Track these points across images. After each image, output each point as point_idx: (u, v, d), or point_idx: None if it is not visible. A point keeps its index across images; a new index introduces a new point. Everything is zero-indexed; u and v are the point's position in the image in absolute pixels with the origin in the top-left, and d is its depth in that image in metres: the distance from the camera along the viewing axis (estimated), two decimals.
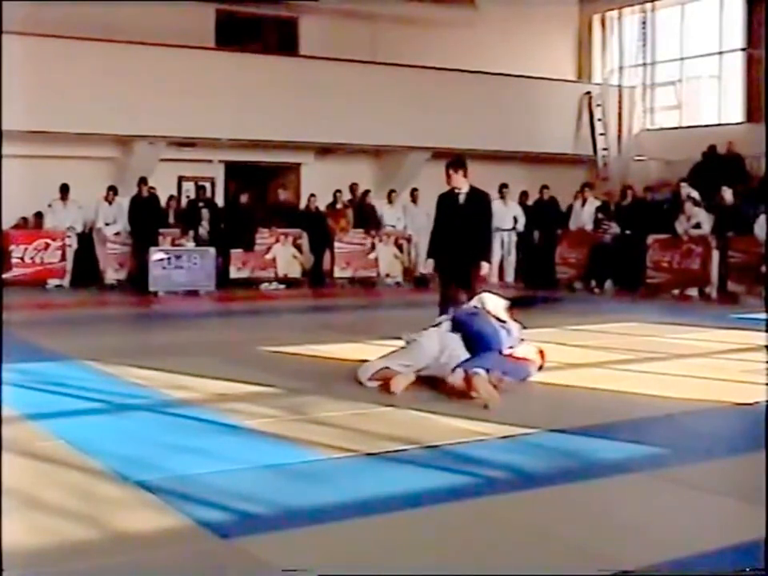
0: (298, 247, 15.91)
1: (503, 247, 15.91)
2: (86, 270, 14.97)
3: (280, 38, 18.06)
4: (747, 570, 3.27)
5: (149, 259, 14.04)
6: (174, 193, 16.30)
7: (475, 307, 6.98)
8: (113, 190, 15.05)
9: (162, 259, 14.11)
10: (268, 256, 15.57)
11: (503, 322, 6.84)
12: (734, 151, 16.86)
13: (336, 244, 15.97)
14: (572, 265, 15.72)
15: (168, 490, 4.04)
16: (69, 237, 14.88)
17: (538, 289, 14.74)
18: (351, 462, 4.61)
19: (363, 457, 4.68)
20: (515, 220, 16.07)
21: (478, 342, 6.46)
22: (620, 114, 19.99)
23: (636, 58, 20.15)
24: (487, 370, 6.18)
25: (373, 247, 16.22)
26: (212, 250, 14.61)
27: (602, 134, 19.65)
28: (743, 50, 18.25)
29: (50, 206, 14.86)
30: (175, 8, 15.97)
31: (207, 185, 16.82)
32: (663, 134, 19.72)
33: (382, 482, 4.27)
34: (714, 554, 3.43)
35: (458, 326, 6.69)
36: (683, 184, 15.35)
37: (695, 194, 14.94)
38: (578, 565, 3.34)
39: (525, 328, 7.15)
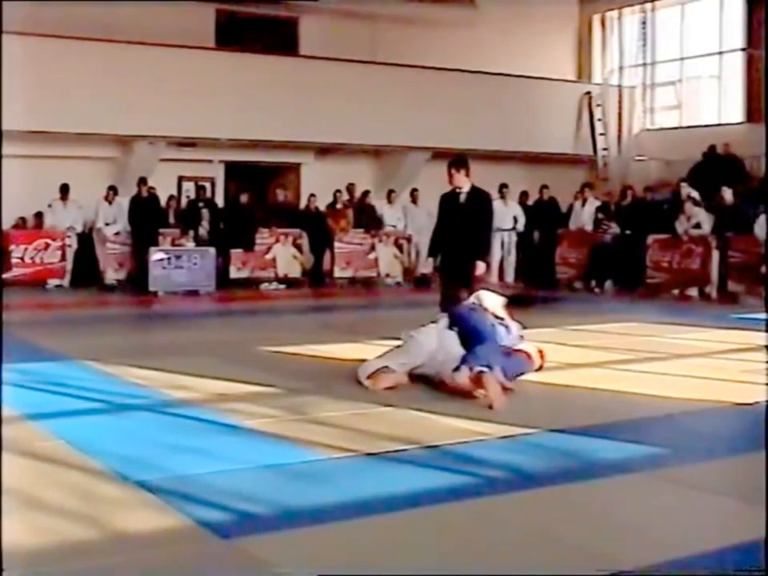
0: (298, 247, 15.91)
1: (503, 247, 15.91)
2: (86, 270, 14.97)
3: (280, 38, 18.04)
4: (747, 569, 3.27)
5: (149, 259, 14.04)
6: (174, 193, 16.30)
7: (473, 304, 6.98)
8: (113, 189, 15.05)
9: (162, 259, 14.12)
10: (268, 256, 15.58)
11: (501, 319, 6.84)
12: (731, 152, 16.87)
13: (336, 244, 15.97)
14: (572, 265, 15.73)
15: (168, 490, 4.04)
16: (69, 237, 14.89)
17: (538, 289, 14.75)
18: (351, 461, 4.61)
19: (363, 457, 4.68)
20: (515, 220, 16.07)
21: (474, 337, 6.44)
22: (620, 114, 19.99)
23: (636, 58, 20.14)
24: (490, 367, 6.18)
25: (373, 247, 16.23)
26: (212, 250, 14.62)
27: (602, 134, 19.65)
28: (743, 50, 18.24)
29: (50, 205, 14.87)
30: (175, 8, 15.97)
31: (207, 185, 16.81)
32: (663, 134, 19.72)
33: (382, 482, 4.27)
34: (714, 554, 3.43)
35: (454, 321, 6.70)
36: (683, 184, 15.35)
37: (695, 194, 14.94)
38: (577, 565, 3.34)
39: (525, 328, 7.15)
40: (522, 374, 6.72)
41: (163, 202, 15.42)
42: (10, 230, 14.67)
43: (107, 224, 15.03)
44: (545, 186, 16.59)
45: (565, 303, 13.57)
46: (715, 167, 16.40)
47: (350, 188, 16.81)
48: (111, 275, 15.04)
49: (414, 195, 16.72)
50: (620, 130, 19.98)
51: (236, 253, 15.27)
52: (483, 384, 6.00)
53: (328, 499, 3.99)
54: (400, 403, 5.90)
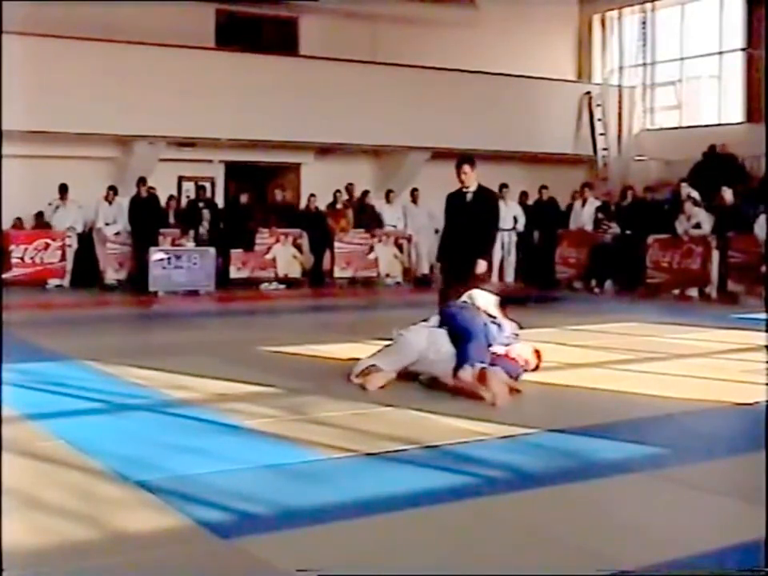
0: (298, 247, 15.91)
1: (503, 247, 15.91)
2: (86, 270, 14.98)
3: (280, 38, 18.04)
4: (747, 570, 3.27)
5: (149, 259, 14.04)
6: (174, 193, 16.30)
7: (464, 302, 6.98)
8: (113, 189, 15.06)
9: (162, 259, 14.12)
10: (268, 256, 15.58)
11: (493, 318, 6.83)
12: (728, 152, 16.87)
13: (336, 244, 15.97)
14: (572, 265, 15.73)
15: (168, 490, 4.04)
16: (69, 237, 14.89)
17: (538, 289, 14.75)
18: (351, 461, 4.61)
19: (363, 457, 4.68)
20: (515, 220, 16.08)
21: (462, 334, 6.44)
22: (620, 114, 19.99)
23: (636, 58, 20.14)
24: (491, 365, 6.18)
25: (372, 247, 16.22)
26: (212, 250, 14.62)
27: (602, 134, 19.65)
28: (743, 50, 18.24)
29: (50, 204, 14.87)
30: (175, 8, 15.97)
31: (207, 185, 16.82)
32: (663, 134, 19.72)
33: (382, 482, 4.27)
34: (714, 554, 3.43)
35: (445, 319, 6.70)
36: (683, 184, 15.36)
37: (695, 194, 14.94)
38: (577, 565, 3.34)
39: (522, 327, 7.15)
40: (516, 377, 6.72)
41: (163, 202, 15.42)
42: (10, 230, 14.66)
43: (107, 224, 15.04)
44: (544, 186, 16.59)
45: (563, 303, 13.58)
46: (715, 167, 16.39)
47: (350, 188, 16.81)
48: (111, 275, 15.04)
49: (414, 195, 16.72)
50: (620, 130, 19.98)
51: (236, 253, 15.28)
52: (487, 381, 6.00)
53: (328, 499, 3.99)
54: (400, 403, 5.90)
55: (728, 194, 14.32)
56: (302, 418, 5.53)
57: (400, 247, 16.54)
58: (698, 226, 14.10)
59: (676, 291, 14.14)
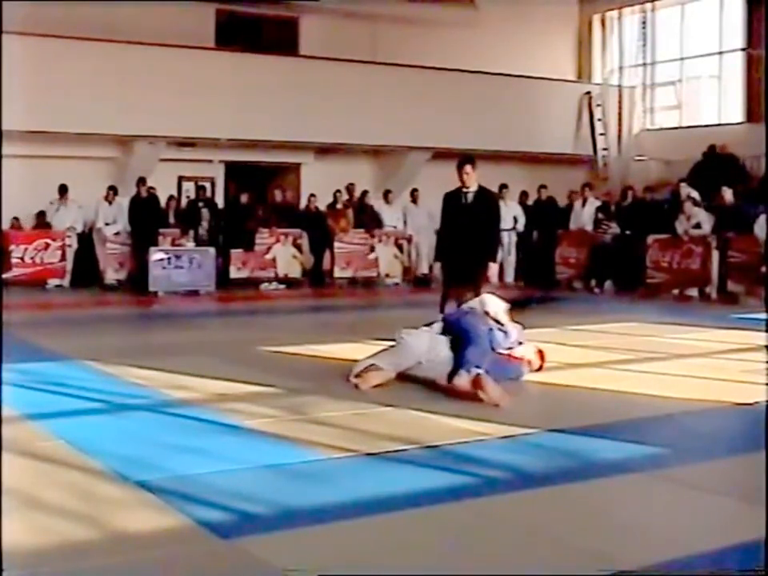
0: (298, 247, 15.92)
1: (503, 247, 15.87)
2: (86, 270, 14.98)
3: (280, 38, 18.05)
4: (747, 570, 3.27)
5: (149, 259, 14.04)
6: (174, 193, 16.30)
7: (470, 308, 6.96)
8: (113, 189, 15.06)
9: (161, 259, 14.12)
10: (268, 256, 15.58)
11: (501, 324, 6.82)
12: (728, 152, 16.87)
13: (336, 244, 15.97)
14: (572, 265, 15.73)
15: (168, 490, 4.04)
16: (69, 237, 14.89)
17: (537, 288, 14.75)
18: (351, 461, 4.61)
19: (363, 457, 4.68)
20: (515, 220, 16.08)
21: (463, 338, 6.43)
22: (620, 114, 19.99)
23: (636, 58, 20.14)
24: (487, 371, 6.17)
25: (373, 247, 16.22)
26: (212, 250, 14.62)
27: (602, 134, 19.65)
28: (743, 50, 18.24)
29: (51, 204, 14.88)
30: (175, 8, 15.98)
31: (207, 185, 16.83)
32: (663, 134, 19.72)
33: (382, 482, 4.27)
34: (714, 554, 3.42)
35: (447, 326, 6.68)
36: (683, 184, 15.36)
37: (695, 194, 14.94)
38: (578, 565, 3.34)
39: (525, 328, 7.15)
40: (518, 377, 6.73)
41: (163, 202, 15.42)
42: (10, 230, 14.66)
43: (107, 224, 15.04)
44: (543, 186, 16.58)
45: (563, 303, 13.57)
46: (715, 167, 16.39)
47: (350, 188, 16.81)
48: (111, 275, 15.05)
49: (414, 195, 16.72)
50: (620, 130, 19.98)
51: (236, 253, 15.28)
52: (482, 386, 6.00)
53: (328, 499, 3.99)
54: (400, 403, 5.90)
55: (728, 194, 14.32)
56: (302, 418, 5.53)
57: (400, 247, 16.54)
58: (698, 226, 14.10)
59: (676, 291, 14.14)
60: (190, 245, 14.69)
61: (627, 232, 14.89)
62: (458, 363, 6.22)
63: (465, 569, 3.29)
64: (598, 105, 19.66)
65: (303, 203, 16.83)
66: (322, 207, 16.25)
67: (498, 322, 6.80)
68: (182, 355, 7.74)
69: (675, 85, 19.90)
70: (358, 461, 4.62)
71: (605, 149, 19.68)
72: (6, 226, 14.57)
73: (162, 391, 6.28)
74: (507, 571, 3.23)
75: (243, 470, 4.42)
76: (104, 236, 15.06)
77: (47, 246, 14.69)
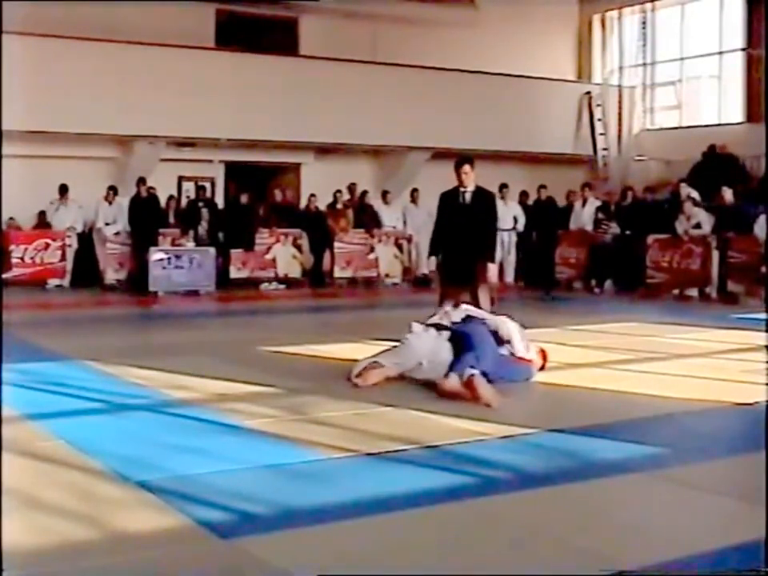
0: (298, 247, 15.92)
1: (503, 247, 15.85)
2: (86, 270, 14.98)
3: (280, 38, 18.04)
4: (747, 570, 3.27)
5: (149, 259, 14.04)
6: (174, 193, 16.30)
7: (482, 318, 6.87)
8: (113, 189, 15.06)
9: (161, 259, 14.12)
10: (268, 256, 15.58)
11: (512, 352, 6.75)
12: (728, 152, 16.87)
13: (336, 244, 15.97)
14: (572, 265, 15.72)
15: (168, 490, 4.04)
16: (69, 237, 14.89)
17: (537, 288, 14.76)
18: (351, 461, 4.61)
19: (363, 457, 4.68)
20: (515, 220, 16.07)
21: (465, 343, 6.41)
22: (620, 114, 19.99)
23: (636, 58, 20.14)
24: (485, 374, 6.16)
25: (373, 247, 16.22)
26: (212, 250, 14.62)
27: (602, 134, 19.65)
28: (743, 49, 18.25)
29: (51, 204, 14.88)
30: (175, 8, 15.98)
31: (207, 185, 16.83)
32: (663, 134, 19.72)
33: (382, 482, 4.27)
34: (714, 554, 3.42)
35: (454, 333, 6.64)
36: (683, 184, 15.35)
37: (695, 194, 14.94)
38: (578, 565, 3.34)
39: (525, 327, 7.14)
40: (528, 378, 6.72)
41: (163, 202, 15.42)
42: (10, 229, 14.67)
43: (107, 224, 15.04)
44: (543, 186, 16.58)
45: (564, 303, 13.57)
46: (715, 167, 16.40)
47: (352, 187, 16.81)
48: (111, 275, 15.04)
49: (414, 195, 16.71)
50: (620, 130, 19.98)
51: (236, 253, 15.28)
52: (474, 387, 5.99)
53: (328, 499, 3.99)
54: (400, 403, 5.90)
55: (728, 194, 14.32)
56: (302, 418, 5.53)
57: (400, 247, 16.54)
58: (698, 225, 14.10)
59: (676, 291, 14.14)
60: (190, 245, 14.69)
61: (627, 232, 14.89)
62: (453, 366, 6.21)
63: (465, 569, 3.29)
64: (598, 105, 19.66)
65: (303, 203, 16.83)
66: (322, 207, 16.25)
67: (506, 342, 6.74)
68: (182, 355, 7.75)
69: (675, 85, 19.91)
70: (358, 461, 4.62)
71: (605, 149, 19.68)
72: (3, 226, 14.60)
73: (162, 391, 6.28)
74: (507, 571, 3.23)
75: (243, 470, 4.42)
76: (104, 236, 15.06)
77: (47, 245, 14.69)
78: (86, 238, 15.17)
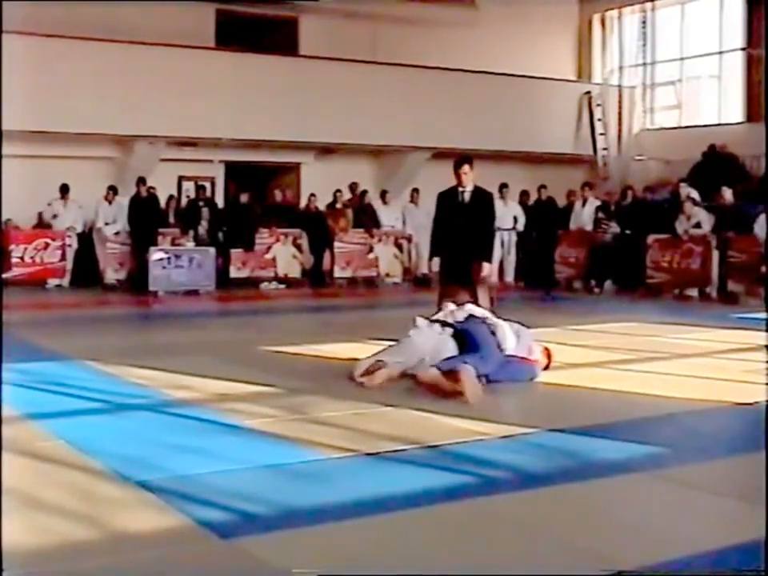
0: (298, 247, 15.92)
1: (503, 247, 15.89)
2: (86, 270, 14.98)
3: (280, 38, 18.05)
4: (747, 569, 3.27)
5: (149, 259, 14.04)
6: (174, 193, 16.30)
7: (485, 318, 6.87)
8: (113, 189, 15.06)
9: (161, 259, 14.12)
10: (268, 256, 15.58)
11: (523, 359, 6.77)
12: (728, 152, 16.87)
13: (336, 244, 15.97)
14: (572, 265, 15.72)
15: (168, 490, 4.04)
16: (69, 237, 14.89)
17: (537, 288, 14.76)
18: (351, 461, 4.61)
19: (363, 457, 4.67)
20: (515, 220, 16.06)
21: (469, 343, 6.42)
22: (620, 114, 20.00)
23: (636, 57, 20.15)
24: (487, 376, 6.15)
25: (372, 247, 16.22)
26: (212, 250, 14.62)
27: (602, 134, 19.65)
28: (743, 49, 18.25)
29: (49, 204, 14.88)
30: (175, 8, 15.98)
31: (207, 185, 16.83)
32: (663, 134, 19.72)
33: (382, 482, 4.26)
34: (714, 554, 3.42)
35: (457, 333, 6.64)
36: (683, 184, 15.35)
37: (695, 194, 14.94)
38: (578, 565, 3.34)
39: (526, 327, 7.14)
40: (533, 378, 6.72)
41: (163, 201, 15.42)
42: (10, 229, 14.66)
43: (107, 224, 15.04)
44: (543, 186, 16.58)
45: (565, 303, 13.57)
46: (715, 167, 16.40)
47: (353, 187, 16.81)
48: (111, 275, 15.05)
49: (414, 195, 16.71)
50: (620, 130, 19.99)
51: (236, 253, 15.28)
52: (459, 377, 5.98)
53: (328, 499, 3.99)
54: (400, 403, 5.90)
55: (728, 194, 14.32)
56: (302, 418, 5.52)
57: (400, 247, 16.54)
58: (698, 225, 14.10)
59: (676, 291, 14.13)
60: (190, 244, 14.69)
61: (627, 232, 14.89)
62: (453, 362, 6.22)
63: (465, 569, 3.29)
64: (598, 105, 19.66)
65: (303, 203, 16.83)
66: (322, 207, 16.26)
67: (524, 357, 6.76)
68: (182, 355, 7.74)
69: (675, 85, 19.91)
70: (357, 461, 4.62)
71: (605, 149, 19.69)
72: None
73: (162, 391, 6.28)
74: (507, 571, 3.23)
75: (243, 470, 4.42)
76: (104, 236, 15.06)
77: (47, 245, 14.69)
78: (86, 238, 15.18)
